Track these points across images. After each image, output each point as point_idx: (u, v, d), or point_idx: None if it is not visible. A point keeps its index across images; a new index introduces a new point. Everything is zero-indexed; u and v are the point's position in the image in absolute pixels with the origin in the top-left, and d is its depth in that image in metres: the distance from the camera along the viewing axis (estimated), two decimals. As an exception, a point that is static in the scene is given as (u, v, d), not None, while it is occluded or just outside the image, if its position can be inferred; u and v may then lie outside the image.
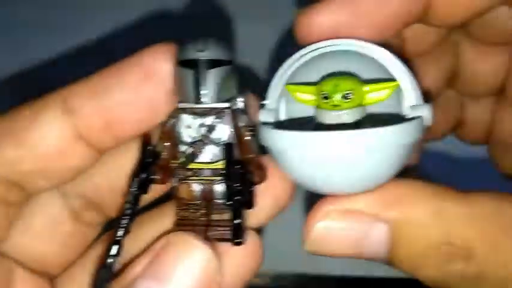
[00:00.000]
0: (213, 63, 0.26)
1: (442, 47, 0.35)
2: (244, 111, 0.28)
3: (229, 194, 0.26)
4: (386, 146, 0.23)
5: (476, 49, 0.36)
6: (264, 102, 0.28)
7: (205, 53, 0.26)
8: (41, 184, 0.28)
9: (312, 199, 0.27)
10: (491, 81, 0.36)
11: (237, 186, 0.26)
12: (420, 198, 0.25)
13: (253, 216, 0.28)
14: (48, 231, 0.30)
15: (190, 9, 0.57)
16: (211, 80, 0.26)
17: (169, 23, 0.57)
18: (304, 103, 0.27)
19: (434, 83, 0.36)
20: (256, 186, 0.27)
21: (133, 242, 0.28)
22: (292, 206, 0.46)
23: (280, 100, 0.28)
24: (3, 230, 0.27)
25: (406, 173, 0.26)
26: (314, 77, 0.27)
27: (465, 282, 0.24)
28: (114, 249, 0.25)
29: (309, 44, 0.27)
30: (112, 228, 0.27)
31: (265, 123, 0.27)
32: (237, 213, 0.25)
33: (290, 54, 0.27)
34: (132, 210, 0.26)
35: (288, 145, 0.25)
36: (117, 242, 0.26)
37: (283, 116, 0.28)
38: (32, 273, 0.29)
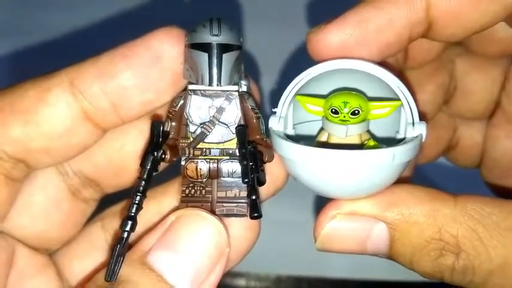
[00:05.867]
0: (227, 48, 0.28)
1: (437, 64, 0.39)
2: (250, 94, 0.31)
3: (245, 173, 0.28)
4: (389, 164, 0.28)
5: (471, 63, 0.40)
6: (275, 110, 0.31)
7: (220, 37, 0.28)
8: (45, 161, 0.30)
9: (318, 206, 0.31)
10: (486, 97, 0.40)
11: (252, 165, 0.28)
12: (415, 200, 0.29)
13: None
14: (47, 208, 0.32)
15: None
16: (225, 63, 0.29)
17: (176, 5, 0.60)
18: (312, 113, 0.31)
19: (432, 98, 0.40)
20: (266, 164, 0.30)
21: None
22: (293, 212, 0.50)
23: (289, 108, 0.32)
24: (7, 205, 0.30)
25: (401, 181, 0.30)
26: (323, 91, 0.32)
27: (456, 275, 0.29)
28: (128, 225, 0.28)
29: (319, 62, 0.30)
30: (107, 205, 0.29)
31: (276, 131, 0.31)
32: (254, 189, 0.28)
33: (303, 66, 0.30)
34: (145, 187, 0.29)
35: (298, 157, 0.28)
36: (131, 218, 0.28)
37: (290, 123, 0.32)
38: (32, 249, 0.32)
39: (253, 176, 0.28)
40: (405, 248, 0.29)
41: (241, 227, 0.31)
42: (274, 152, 0.31)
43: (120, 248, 0.28)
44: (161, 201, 0.33)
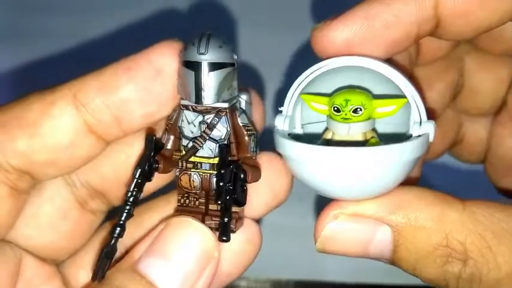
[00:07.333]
0: (214, 66, 0.28)
1: (446, 62, 0.39)
2: (244, 110, 0.31)
3: (219, 194, 0.29)
4: (393, 161, 0.27)
5: (480, 62, 0.39)
6: (281, 109, 0.31)
7: (207, 55, 0.28)
8: (50, 173, 0.30)
9: (318, 210, 0.30)
10: (493, 96, 0.40)
11: (229, 186, 0.28)
12: (421, 203, 0.28)
13: (255, 209, 0.32)
14: (55, 219, 0.33)
15: (197, 8, 0.60)
16: (211, 82, 0.29)
17: (175, 19, 0.60)
18: (317, 112, 0.31)
19: (441, 97, 0.39)
20: (249, 184, 0.30)
21: (138, 228, 0.32)
22: (292, 216, 0.49)
23: (296, 108, 0.31)
24: (13, 217, 0.30)
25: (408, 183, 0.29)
26: (328, 89, 0.31)
27: (462, 283, 0.28)
28: (116, 231, 0.29)
29: (324, 59, 0.30)
30: (115, 217, 0.30)
31: (280, 130, 0.31)
32: (226, 212, 0.28)
33: (307, 67, 0.30)
34: (135, 196, 0.30)
35: (302, 156, 0.28)
36: (120, 225, 0.29)
37: (297, 123, 0.32)
38: (39, 260, 0.32)
39: (228, 197, 0.28)
40: (409, 254, 0.28)
41: (241, 241, 0.32)
42: (278, 152, 0.30)
43: (108, 250, 0.29)
44: (164, 211, 0.33)
